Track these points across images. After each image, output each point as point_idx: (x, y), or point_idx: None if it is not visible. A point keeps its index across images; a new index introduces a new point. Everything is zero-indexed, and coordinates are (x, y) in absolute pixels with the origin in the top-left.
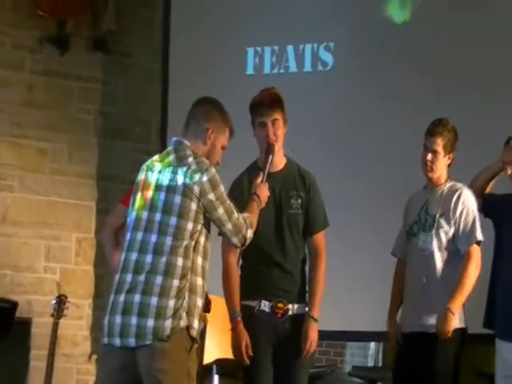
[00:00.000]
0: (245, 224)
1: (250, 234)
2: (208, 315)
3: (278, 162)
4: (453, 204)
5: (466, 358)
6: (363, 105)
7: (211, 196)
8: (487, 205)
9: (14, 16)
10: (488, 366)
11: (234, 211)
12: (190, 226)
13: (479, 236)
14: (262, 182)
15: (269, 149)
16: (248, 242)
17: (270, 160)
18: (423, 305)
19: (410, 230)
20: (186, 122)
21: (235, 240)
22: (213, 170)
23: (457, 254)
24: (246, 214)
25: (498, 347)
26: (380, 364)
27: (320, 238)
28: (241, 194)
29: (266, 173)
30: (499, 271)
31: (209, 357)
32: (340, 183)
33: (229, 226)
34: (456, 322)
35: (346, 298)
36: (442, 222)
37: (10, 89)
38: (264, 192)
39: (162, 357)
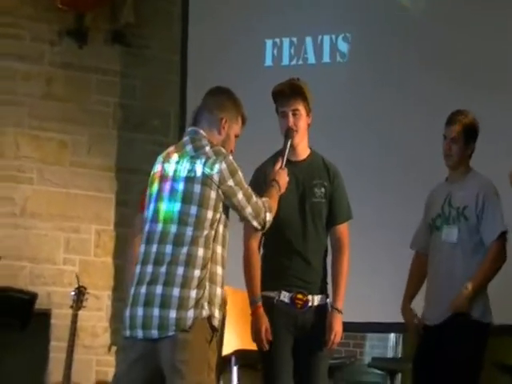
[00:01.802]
0: (263, 207)
1: (269, 217)
2: (227, 306)
3: (302, 151)
4: (476, 196)
5: (487, 349)
6: (380, 96)
7: (230, 182)
8: None
9: (33, 9)
10: (509, 357)
11: (253, 195)
12: (210, 214)
13: (503, 227)
14: (280, 167)
15: (288, 133)
16: (268, 225)
17: (288, 144)
18: (448, 297)
19: (433, 223)
20: (198, 112)
21: (255, 223)
22: (230, 157)
23: (481, 246)
24: (264, 199)
25: None
26: (400, 355)
27: (343, 229)
28: (265, 181)
29: (284, 158)
30: None
31: (228, 348)
32: (355, 177)
33: (248, 209)
34: (479, 313)
35: (365, 289)
36: (466, 214)
37: (30, 82)
38: (283, 178)
39: (184, 348)
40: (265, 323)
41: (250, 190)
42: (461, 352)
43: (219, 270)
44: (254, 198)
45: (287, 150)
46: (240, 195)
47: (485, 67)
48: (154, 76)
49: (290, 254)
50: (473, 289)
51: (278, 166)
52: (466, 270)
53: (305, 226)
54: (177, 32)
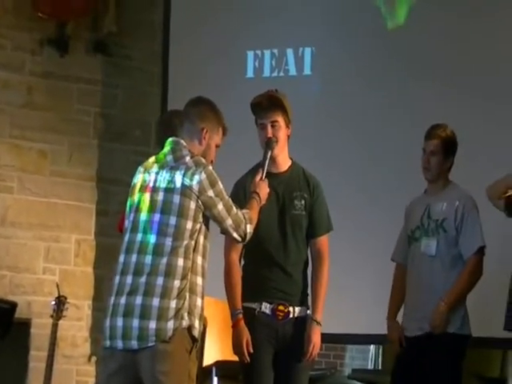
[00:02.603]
0: (244, 219)
1: (249, 228)
2: (208, 317)
3: (282, 163)
4: (455, 208)
5: (466, 361)
6: (363, 107)
7: (210, 193)
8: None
9: (15, 18)
10: (488, 369)
11: (233, 207)
12: (189, 224)
13: (481, 241)
14: (261, 179)
15: (268, 144)
16: (248, 237)
17: (268, 155)
18: (427, 309)
19: (412, 234)
20: (180, 122)
21: (235, 235)
22: (210, 167)
23: (460, 259)
24: (245, 210)
25: None
26: (380, 367)
27: (323, 241)
28: (244, 195)
29: (264, 169)
30: None
31: (208, 359)
32: (338, 188)
33: (229, 221)
34: (457, 326)
35: (346, 300)
36: (445, 226)
37: (10, 90)
38: (263, 189)
39: (164, 359)
40: (246, 336)
41: (230, 201)
42: (440, 364)
43: (199, 280)
44: (235, 210)
45: (267, 161)
46: (220, 206)
47: (469, 74)
48: (136, 86)
49: (271, 266)
50: (450, 304)
51: (259, 177)
52: (445, 282)
53: (285, 239)
54: (158, 42)
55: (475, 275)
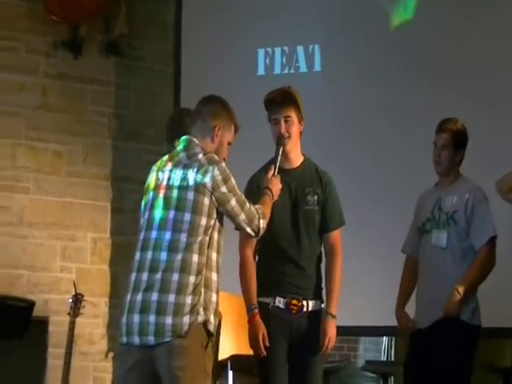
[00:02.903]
0: (257, 214)
1: (262, 223)
2: (222, 312)
3: (295, 159)
4: (465, 201)
5: (477, 352)
6: (371, 103)
7: (223, 189)
8: None
9: (28, 22)
10: (499, 359)
11: (246, 202)
12: (204, 221)
13: (493, 232)
14: (273, 175)
15: (279, 140)
16: (262, 232)
17: (280, 152)
18: (439, 301)
19: (423, 226)
20: (192, 120)
21: (249, 229)
22: (223, 164)
23: (471, 251)
24: (258, 206)
25: None
26: (393, 358)
27: (336, 235)
28: (258, 190)
29: (276, 165)
30: None
31: (224, 353)
32: (347, 182)
33: (242, 216)
34: (468, 316)
35: (358, 293)
36: (456, 218)
37: (25, 93)
38: (276, 185)
39: (180, 354)
40: (262, 330)
41: (243, 197)
42: (451, 355)
43: (214, 276)
44: (248, 205)
45: (279, 158)
46: (233, 202)
47: (469, 74)
48: (148, 86)
49: (284, 260)
50: (463, 292)
51: (271, 173)
52: (456, 274)
53: (298, 234)
54: (170, 42)
55: (488, 264)
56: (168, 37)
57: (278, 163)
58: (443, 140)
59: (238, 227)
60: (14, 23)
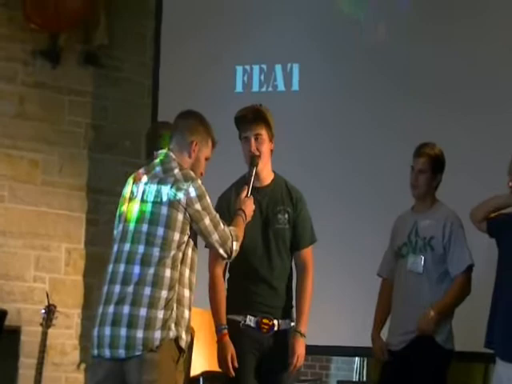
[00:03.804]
0: (231, 236)
1: (235, 246)
2: (195, 328)
3: (266, 176)
4: (442, 227)
5: (449, 375)
6: (351, 123)
7: (197, 206)
8: (492, 225)
9: (7, 29)
10: (469, 382)
11: (220, 223)
12: (176, 236)
13: (470, 260)
14: (246, 196)
15: (252, 161)
16: (234, 254)
17: (253, 173)
18: (412, 323)
19: (399, 251)
20: (170, 134)
21: (221, 251)
22: (199, 181)
23: (446, 276)
24: (232, 227)
25: (498, 368)
26: (365, 378)
27: (307, 253)
28: (228, 209)
29: (250, 186)
30: (498, 293)
31: (195, 369)
32: (326, 202)
33: (215, 236)
34: (442, 339)
35: (331, 313)
36: (433, 244)
37: (3, 100)
38: (249, 206)
39: (151, 368)
40: (231, 350)
41: (217, 217)
42: (426, 377)
43: (186, 292)
44: (222, 226)
45: (252, 178)
46: (207, 221)
47: (452, 89)
48: (126, 98)
49: (256, 280)
50: (438, 311)
51: (244, 194)
52: (432, 299)
53: (269, 252)
54: (149, 54)
55: (464, 292)
56: (147, 49)
57: (251, 184)
58: (421, 164)
59: (210, 247)
60: None
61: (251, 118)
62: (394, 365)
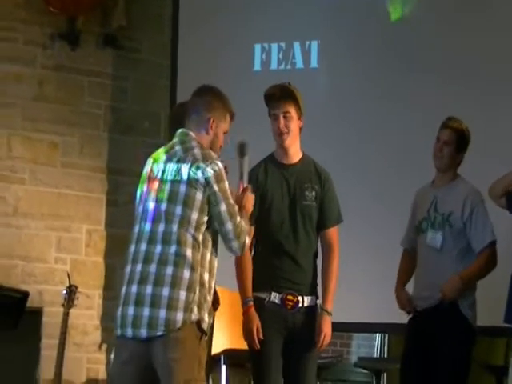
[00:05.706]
0: (245, 230)
1: (248, 241)
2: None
3: (294, 154)
4: (462, 202)
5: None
6: (368, 100)
7: (215, 187)
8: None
9: (26, 13)
10: (494, 358)
11: (237, 215)
12: (195, 215)
13: (493, 236)
14: (243, 190)
15: (241, 150)
16: (244, 250)
17: (245, 163)
18: (436, 293)
19: (420, 225)
20: (186, 113)
21: (235, 244)
22: (219, 164)
23: (467, 252)
24: (243, 223)
25: None
26: (385, 355)
27: (333, 232)
28: (255, 183)
29: (244, 178)
30: None
31: (217, 347)
32: (341, 179)
33: (229, 225)
34: (467, 311)
35: (352, 290)
36: (451, 220)
37: (22, 84)
38: (249, 202)
39: (174, 346)
40: (256, 322)
41: (235, 208)
42: (450, 352)
43: (206, 275)
44: (238, 218)
45: (245, 168)
46: (223, 207)
47: (470, 68)
48: (145, 79)
49: (281, 255)
50: (463, 277)
51: (241, 189)
52: (450, 274)
53: (295, 228)
54: (167, 35)
55: (489, 264)
56: (165, 29)
57: (245, 176)
58: (447, 136)
59: (223, 235)
60: (11, 14)
61: (279, 96)
62: (419, 324)
